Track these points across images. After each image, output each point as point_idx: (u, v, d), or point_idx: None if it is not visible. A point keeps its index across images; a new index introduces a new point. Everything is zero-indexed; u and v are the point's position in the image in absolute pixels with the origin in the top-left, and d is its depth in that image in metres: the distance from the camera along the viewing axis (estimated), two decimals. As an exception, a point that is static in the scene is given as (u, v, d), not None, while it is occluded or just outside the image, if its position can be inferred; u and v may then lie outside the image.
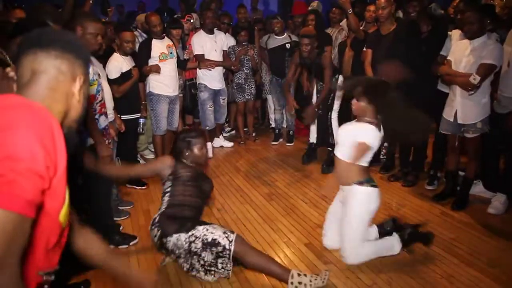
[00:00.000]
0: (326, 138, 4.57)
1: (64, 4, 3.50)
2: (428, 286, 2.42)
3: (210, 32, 4.81)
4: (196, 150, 2.72)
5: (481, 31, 3.05)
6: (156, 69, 4.15)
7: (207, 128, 5.00)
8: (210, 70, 4.77)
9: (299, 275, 2.31)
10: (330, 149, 4.39)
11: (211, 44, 4.80)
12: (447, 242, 2.89)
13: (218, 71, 4.91)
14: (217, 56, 4.85)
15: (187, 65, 4.84)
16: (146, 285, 1.43)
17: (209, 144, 4.93)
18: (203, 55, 4.77)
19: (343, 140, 2.69)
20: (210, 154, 4.94)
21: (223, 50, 4.96)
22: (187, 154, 2.70)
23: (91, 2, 3.60)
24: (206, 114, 4.95)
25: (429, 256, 2.73)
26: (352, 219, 2.61)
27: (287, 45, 5.02)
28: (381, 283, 2.47)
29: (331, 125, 4.42)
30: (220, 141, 5.34)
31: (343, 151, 2.65)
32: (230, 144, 5.37)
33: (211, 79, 4.85)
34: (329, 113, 4.41)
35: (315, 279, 2.32)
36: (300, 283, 2.28)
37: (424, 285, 2.43)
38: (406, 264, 2.65)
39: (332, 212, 2.88)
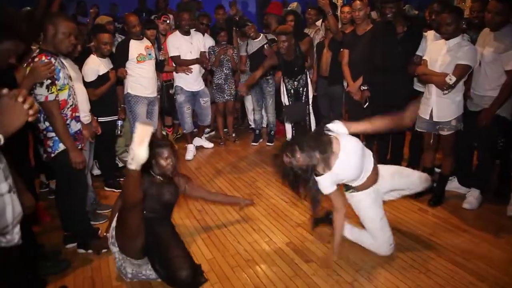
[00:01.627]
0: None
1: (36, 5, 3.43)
2: (407, 282, 2.46)
3: (186, 33, 4.70)
4: (161, 160, 2.62)
5: (457, 32, 3.14)
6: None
7: (185, 131, 4.96)
8: (188, 74, 4.70)
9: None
10: None
11: (186, 46, 4.69)
12: (425, 238, 2.95)
13: (195, 72, 4.78)
14: (192, 58, 4.75)
15: (164, 68, 4.79)
16: None
17: (190, 146, 4.99)
18: (178, 56, 4.68)
19: None
20: (191, 156, 4.92)
21: (201, 51, 4.87)
22: (153, 164, 2.63)
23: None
24: (184, 117, 4.87)
25: (408, 251, 2.78)
26: (366, 223, 2.75)
27: (265, 46, 5.03)
28: (362, 280, 2.50)
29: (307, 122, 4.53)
30: (200, 141, 5.32)
31: None
32: (211, 145, 5.35)
33: (186, 81, 4.75)
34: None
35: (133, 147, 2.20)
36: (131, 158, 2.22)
37: (403, 281, 2.47)
38: (386, 260, 2.69)
39: None
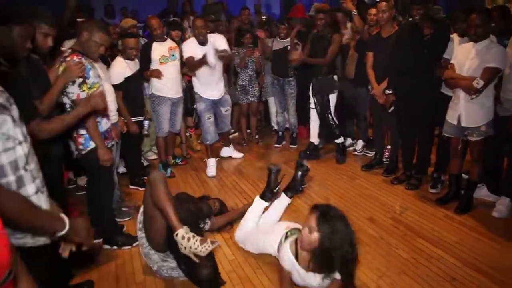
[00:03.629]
0: (330, 134, 4.74)
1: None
2: (431, 290, 2.41)
3: (202, 43, 4.21)
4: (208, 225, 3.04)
5: (485, 34, 3.05)
6: (157, 74, 4.11)
7: (208, 142, 4.53)
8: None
9: (183, 238, 2.23)
10: (337, 141, 4.70)
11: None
12: (450, 245, 2.88)
13: (215, 79, 4.39)
14: (207, 69, 4.24)
15: (183, 70, 4.52)
16: None
17: (211, 161, 4.54)
18: (191, 57, 4.16)
19: None
20: (213, 172, 4.46)
21: (220, 52, 4.19)
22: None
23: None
24: (204, 127, 4.50)
25: (432, 259, 2.72)
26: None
27: (289, 47, 5.02)
28: (384, 286, 2.46)
29: (331, 122, 4.59)
30: (229, 151, 5.02)
31: None
32: (240, 155, 5.03)
33: (204, 87, 4.39)
34: (328, 112, 4.55)
35: (196, 247, 2.22)
36: (181, 244, 2.24)
37: (427, 288, 2.42)
38: (409, 267, 2.64)
39: None
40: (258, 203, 2.97)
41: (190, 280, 2.48)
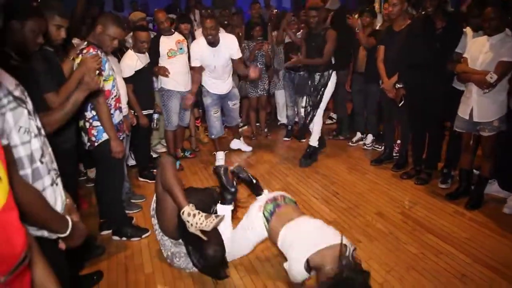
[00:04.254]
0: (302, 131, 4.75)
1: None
2: (440, 285, 2.39)
3: (211, 44, 4.06)
4: None
5: (500, 27, 2.99)
6: (163, 72, 4.12)
7: (213, 136, 4.54)
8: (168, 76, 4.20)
9: (189, 214, 2.29)
10: (310, 143, 4.51)
11: (211, 59, 4.14)
12: (460, 241, 2.85)
13: (225, 77, 4.36)
14: (217, 72, 4.23)
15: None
16: None
17: (220, 154, 4.56)
18: (199, 67, 4.19)
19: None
20: (222, 162, 4.49)
21: (234, 60, 4.23)
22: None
23: None
24: (210, 121, 4.48)
25: (441, 254, 2.70)
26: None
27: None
28: (393, 280, 2.45)
29: (309, 121, 4.44)
30: (238, 144, 5.01)
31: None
32: (249, 148, 5.00)
33: (212, 83, 4.35)
34: (315, 110, 4.36)
35: (201, 223, 2.27)
36: (187, 221, 2.30)
37: (436, 284, 2.40)
38: (418, 262, 2.62)
39: None
40: (222, 210, 2.65)
41: (199, 269, 2.50)
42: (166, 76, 4.15)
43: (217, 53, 4.12)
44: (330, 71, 4.29)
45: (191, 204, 2.35)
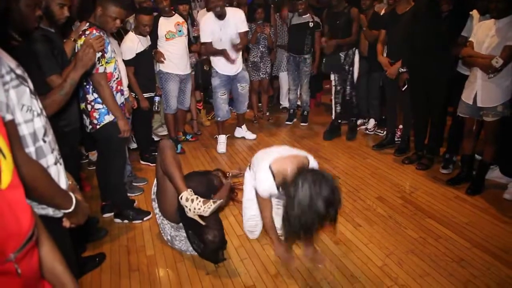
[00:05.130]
0: (348, 110, 4.74)
1: None
2: (439, 269, 2.41)
3: (219, 17, 4.11)
4: None
5: (508, 10, 2.93)
6: (159, 57, 4.08)
7: (219, 119, 4.52)
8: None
9: (187, 199, 2.33)
10: (352, 119, 4.77)
11: (217, 33, 4.18)
12: (460, 226, 2.87)
13: (232, 54, 4.28)
14: (223, 45, 4.21)
15: (192, 48, 4.57)
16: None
17: (222, 137, 4.53)
18: (210, 43, 4.21)
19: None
20: (223, 149, 4.47)
21: (240, 33, 4.24)
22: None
23: None
24: (217, 102, 4.47)
25: (441, 239, 2.72)
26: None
27: (310, 23, 4.91)
28: (392, 264, 2.47)
29: (351, 99, 4.63)
30: (242, 132, 4.92)
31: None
32: (253, 136, 4.88)
33: (221, 63, 4.32)
34: (347, 88, 4.56)
35: (199, 208, 2.31)
36: (186, 206, 2.34)
37: (435, 268, 2.42)
38: (418, 246, 2.64)
39: None
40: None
41: (198, 253, 2.52)
42: (162, 62, 4.11)
43: (224, 27, 4.15)
44: (354, 49, 4.43)
45: (189, 189, 2.36)
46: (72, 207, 1.28)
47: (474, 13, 3.50)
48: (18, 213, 0.83)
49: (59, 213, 1.33)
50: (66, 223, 1.36)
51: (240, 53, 4.41)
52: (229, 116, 4.63)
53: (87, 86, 2.69)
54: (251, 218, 2.74)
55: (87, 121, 2.78)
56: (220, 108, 4.48)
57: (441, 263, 2.47)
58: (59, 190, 1.27)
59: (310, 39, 4.95)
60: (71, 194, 1.31)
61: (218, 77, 4.39)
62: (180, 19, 4.25)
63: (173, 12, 4.23)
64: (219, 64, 4.35)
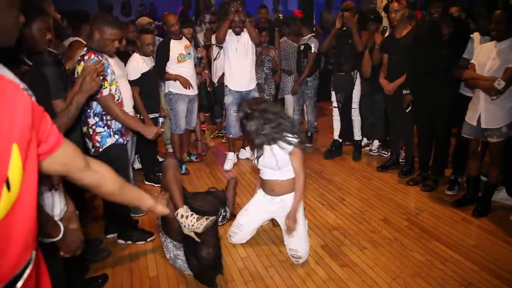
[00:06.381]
0: (350, 134, 4.81)
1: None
2: (446, 293, 2.37)
3: (237, 33, 4.34)
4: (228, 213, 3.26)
5: (508, 32, 2.97)
6: (185, 83, 4.20)
7: (231, 136, 4.60)
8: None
9: (182, 216, 2.44)
10: (356, 138, 4.81)
11: (234, 41, 4.36)
12: (467, 249, 2.82)
13: (246, 71, 4.45)
14: (240, 53, 4.38)
15: (196, 69, 4.60)
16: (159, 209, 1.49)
17: (230, 155, 4.62)
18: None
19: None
20: (230, 166, 4.56)
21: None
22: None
23: None
24: (229, 120, 4.54)
25: (447, 262, 2.67)
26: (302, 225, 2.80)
27: (301, 47, 5.00)
28: (398, 287, 2.44)
29: (353, 118, 4.70)
30: (246, 153, 4.90)
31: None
32: None
33: (235, 80, 4.44)
34: (348, 109, 4.63)
35: (193, 224, 2.41)
36: (181, 223, 2.45)
37: (442, 292, 2.38)
38: (424, 269, 2.60)
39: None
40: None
41: (193, 273, 2.51)
42: (191, 86, 4.26)
43: (240, 38, 4.37)
44: (355, 71, 4.53)
45: (185, 206, 2.41)
46: (60, 236, 1.29)
47: (475, 35, 3.55)
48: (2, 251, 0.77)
49: (47, 240, 1.33)
50: (61, 252, 1.36)
51: (253, 67, 4.56)
52: (240, 133, 4.63)
53: (88, 111, 2.72)
54: (236, 225, 2.96)
55: (89, 144, 2.81)
56: (232, 125, 4.55)
57: (448, 287, 2.43)
58: (49, 219, 1.28)
59: (306, 62, 5.00)
60: (59, 222, 1.32)
61: (231, 95, 4.50)
62: (188, 42, 4.35)
63: (181, 36, 4.32)
64: (230, 80, 4.47)
